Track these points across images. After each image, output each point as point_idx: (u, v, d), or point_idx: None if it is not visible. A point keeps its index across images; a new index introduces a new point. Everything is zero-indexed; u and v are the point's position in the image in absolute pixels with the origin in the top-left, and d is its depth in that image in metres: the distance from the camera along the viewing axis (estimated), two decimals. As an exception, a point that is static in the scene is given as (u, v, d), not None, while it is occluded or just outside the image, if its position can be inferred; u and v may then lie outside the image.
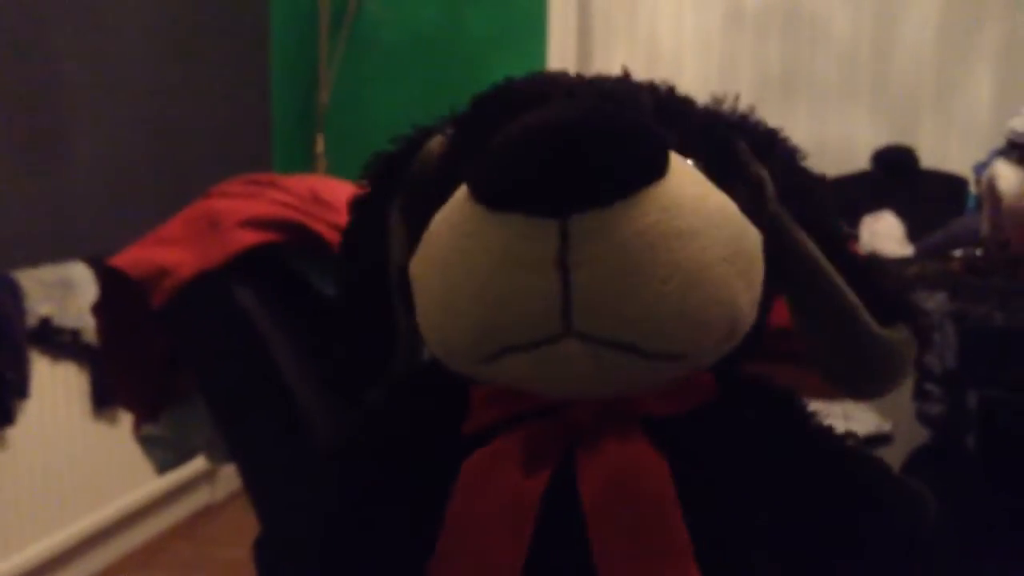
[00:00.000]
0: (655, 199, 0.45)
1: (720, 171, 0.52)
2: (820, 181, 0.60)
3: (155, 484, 2.26)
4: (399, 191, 0.59)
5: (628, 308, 0.45)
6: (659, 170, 0.46)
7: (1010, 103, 2.19)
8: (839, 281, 0.55)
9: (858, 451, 0.59)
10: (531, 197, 0.44)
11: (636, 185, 0.45)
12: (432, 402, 0.56)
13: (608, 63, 2.68)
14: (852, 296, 0.55)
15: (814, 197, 0.58)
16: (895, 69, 2.50)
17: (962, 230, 1.70)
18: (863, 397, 0.71)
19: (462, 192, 0.48)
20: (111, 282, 0.86)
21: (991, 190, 1.48)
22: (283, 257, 0.85)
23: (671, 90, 0.58)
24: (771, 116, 2.33)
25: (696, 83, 2.64)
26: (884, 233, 1.80)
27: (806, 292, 0.56)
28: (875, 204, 1.91)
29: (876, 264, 0.59)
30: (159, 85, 2.33)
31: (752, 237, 0.50)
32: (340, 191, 0.92)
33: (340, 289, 0.61)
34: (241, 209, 0.85)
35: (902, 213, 1.89)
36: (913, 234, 1.85)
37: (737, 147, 0.56)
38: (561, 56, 2.65)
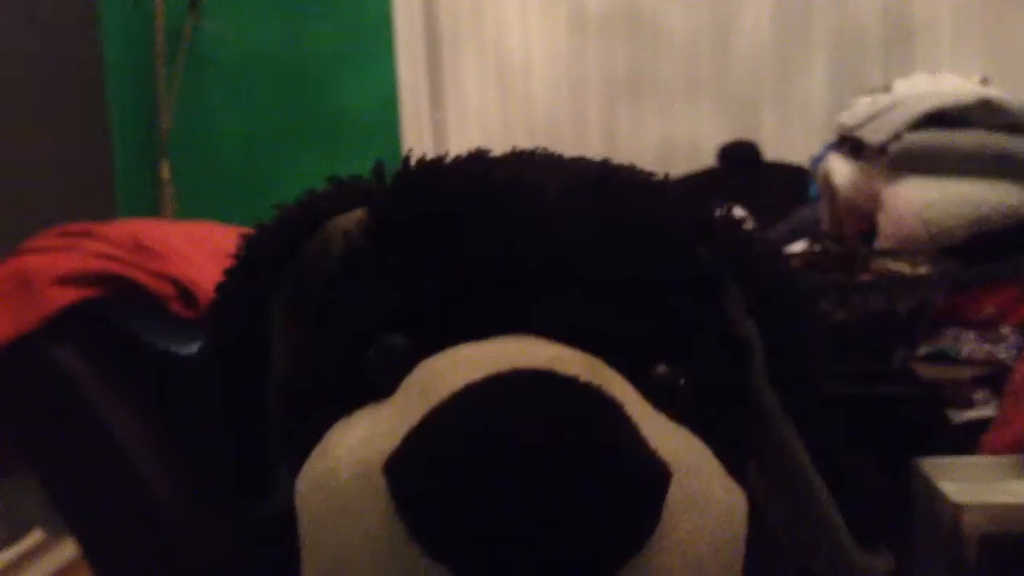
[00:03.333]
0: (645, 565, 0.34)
1: (691, 342, 0.42)
2: (819, 352, 0.47)
3: (7, 551, 2.12)
4: (287, 282, 0.46)
5: None
6: (650, 529, 0.34)
7: (844, 93, 2.30)
8: (823, 497, 0.46)
9: None
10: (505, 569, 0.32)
11: (632, 551, 0.34)
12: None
13: (457, 74, 2.67)
14: (835, 517, 0.46)
15: (810, 379, 0.46)
16: (735, 67, 2.59)
17: (804, 221, 1.77)
18: None
19: (384, 506, 0.34)
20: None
21: (827, 184, 1.54)
22: (106, 313, 0.80)
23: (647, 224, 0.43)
24: (622, 120, 2.39)
25: (546, 90, 2.66)
26: (733, 228, 1.86)
27: (783, 491, 0.46)
28: (722, 199, 1.97)
29: (869, 484, 0.49)
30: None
31: (742, 529, 0.40)
32: (165, 235, 0.88)
33: (198, 402, 0.48)
34: (55, 265, 0.79)
35: (749, 206, 1.95)
36: (761, 226, 1.91)
37: (726, 299, 0.45)
38: (410, 69, 2.63)
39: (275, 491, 0.45)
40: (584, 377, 0.35)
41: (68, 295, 0.77)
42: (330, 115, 2.71)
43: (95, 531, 0.80)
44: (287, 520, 0.40)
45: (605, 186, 0.45)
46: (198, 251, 0.86)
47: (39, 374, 0.77)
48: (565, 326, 0.39)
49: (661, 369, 0.41)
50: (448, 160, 0.47)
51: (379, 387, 0.39)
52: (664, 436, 0.37)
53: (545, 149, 0.52)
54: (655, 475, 0.34)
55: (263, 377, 0.45)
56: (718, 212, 0.49)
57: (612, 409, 0.35)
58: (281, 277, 0.46)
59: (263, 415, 0.45)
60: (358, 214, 0.46)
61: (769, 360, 0.45)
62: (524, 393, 0.34)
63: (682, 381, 0.41)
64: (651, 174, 0.49)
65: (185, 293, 0.81)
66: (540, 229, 0.41)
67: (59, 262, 0.79)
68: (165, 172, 2.70)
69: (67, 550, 2.36)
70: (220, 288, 0.48)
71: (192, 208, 2.66)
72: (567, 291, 0.40)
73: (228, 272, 0.47)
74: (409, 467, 0.34)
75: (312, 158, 2.73)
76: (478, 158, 0.47)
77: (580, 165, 0.47)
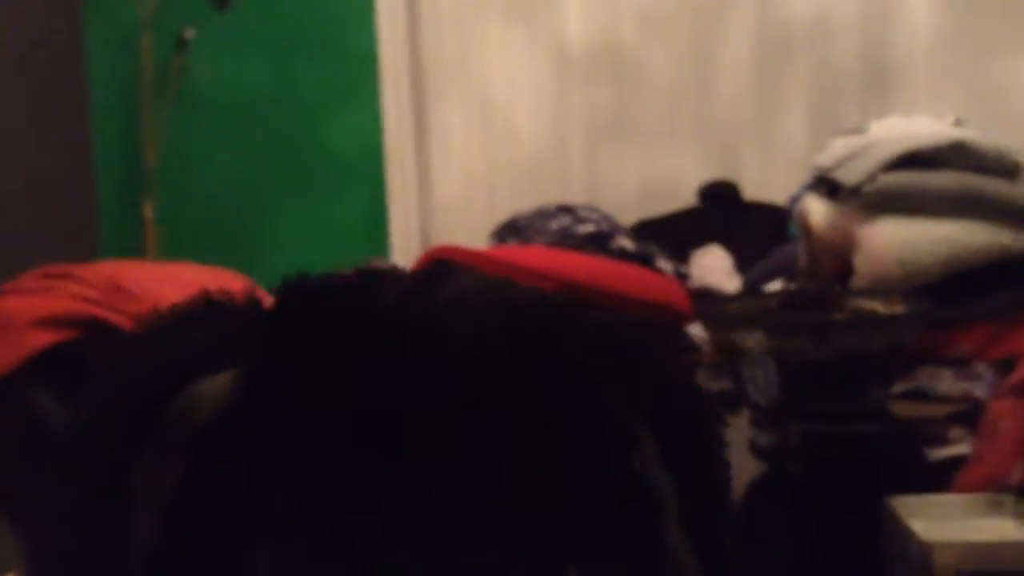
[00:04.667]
0: None
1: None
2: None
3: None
4: (152, 441, 0.41)
5: None
6: None
7: (823, 133, 2.32)
8: None
9: None
10: None
11: None
12: None
13: (442, 117, 2.70)
14: None
15: (725, 519, 0.47)
16: (715, 108, 2.62)
17: (783, 260, 1.79)
18: None
19: None
20: None
21: (804, 224, 1.56)
22: (84, 355, 0.80)
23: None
24: (604, 160, 2.41)
25: (529, 131, 2.69)
26: (712, 266, 1.87)
27: None
28: (702, 238, 1.99)
29: None
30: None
31: None
32: (144, 276, 0.88)
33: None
34: (34, 307, 0.79)
35: (729, 245, 1.96)
36: (740, 265, 1.93)
37: (638, 450, 0.42)
38: (395, 111, 2.66)
39: None
40: None
41: (46, 337, 0.77)
42: (315, 156, 2.72)
43: None
44: None
45: (511, 349, 0.40)
46: (177, 292, 0.86)
47: (14, 417, 0.77)
48: (467, 544, 0.36)
49: (575, 573, 0.39)
50: (319, 329, 0.41)
51: None
52: None
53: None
54: None
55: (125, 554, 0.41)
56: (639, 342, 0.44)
57: None
58: (143, 437, 0.41)
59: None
60: (225, 380, 0.41)
61: (681, 504, 0.43)
62: None
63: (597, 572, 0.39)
64: (563, 304, 0.44)
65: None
66: (428, 432, 0.37)
67: (38, 304, 0.79)
68: (149, 212, 2.70)
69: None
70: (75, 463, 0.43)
71: (177, 248, 2.66)
72: (471, 497, 0.37)
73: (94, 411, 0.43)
74: None
75: (297, 198, 2.74)
76: (364, 307, 0.42)
77: (483, 316, 0.41)
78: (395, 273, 0.46)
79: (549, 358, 0.40)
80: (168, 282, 0.87)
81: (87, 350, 0.80)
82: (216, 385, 0.41)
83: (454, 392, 0.38)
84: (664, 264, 1.79)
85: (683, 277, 1.82)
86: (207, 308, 0.45)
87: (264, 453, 0.38)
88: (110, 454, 0.41)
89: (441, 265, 0.45)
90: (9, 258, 0.91)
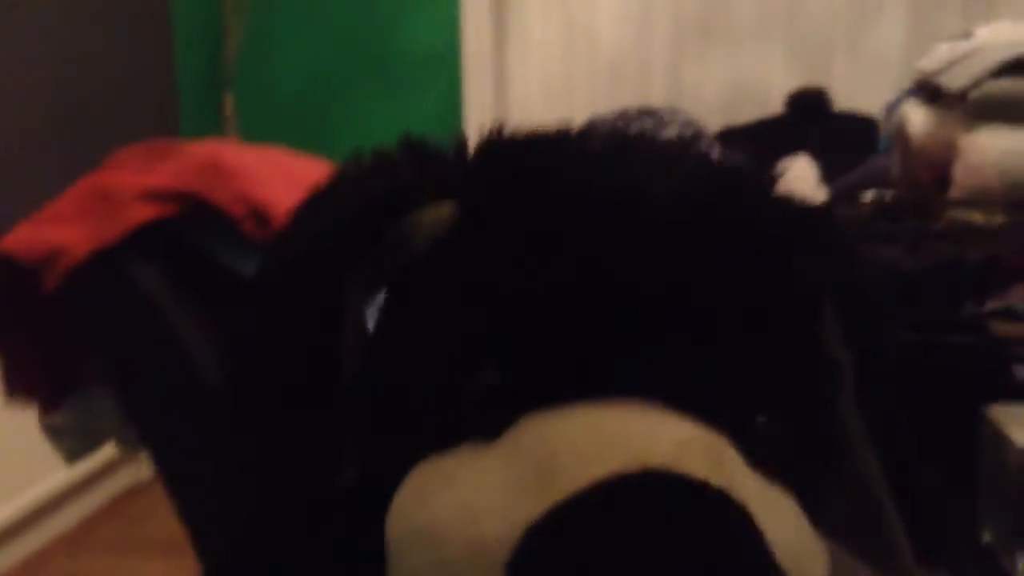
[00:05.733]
0: None
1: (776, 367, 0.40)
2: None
3: (79, 466, 2.20)
4: (364, 270, 0.42)
5: None
6: None
7: (920, 43, 2.22)
8: (892, 522, 0.46)
9: None
10: None
11: None
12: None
13: (522, 14, 2.64)
14: (902, 541, 0.46)
15: (895, 399, 0.47)
16: (809, 10, 2.51)
17: (873, 171, 1.73)
18: None
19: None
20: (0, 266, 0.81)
21: (901, 132, 1.50)
22: (184, 231, 0.81)
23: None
24: (688, 62, 2.34)
25: (611, 28, 2.62)
26: (798, 177, 1.82)
27: (851, 512, 0.46)
28: (789, 147, 1.93)
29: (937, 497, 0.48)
30: (53, 48, 2.21)
31: None
32: (242, 156, 0.89)
33: (261, 397, 0.44)
34: (136, 181, 0.80)
35: (816, 155, 1.91)
36: (827, 176, 1.87)
37: (822, 320, 0.42)
38: (474, 8, 2.60)
39: (335, 467, 0.42)
40: (713, 478, 0.34)
41: (147, 211, 0.78)
42: (393, 52, 2.70)
43: (168, 447, 0.83)
44: (354, 509, 0.40)
45: (719, 203, 0.41)
46: (273, 175, 0.87)
47: (117, 289, 0.79)
48: (672, 381, 0.37)
49: (762, 420, 0.40)
50: (541, 149, 0.42)
51: (473, 422, 0.38)
52: (772, 516, 0.36)
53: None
54: None
55: (331, 354, 0.42)
56: (822, 217, 0.45)
57: (744, 525, 0.34)
58: (357, 263, 0.42)
59: (327, 392, 0.42)
60: (446, 210, 0.41)
61: (857, 380, 0.44)
62: (656, 509, 0.33)
63: (780, 430, 0.40)
64: (761, 177, 0.45)
65: (258, 215, 0.82)
66: (649, 260, 0.38)
67: (139, 179, 0.80)
68: (228, 107, 2.72)
69: (142, 465, 2.45)
70: (282, 275, 0.43)
71: (254, 142, 2.69)
72: (674, 335, 0.38)
73: (298, 238, 0.43)
74: None
75: (374, 94, 2.73)
76: (579, 152, 0.42)
77: (689, 170, 0.43)
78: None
79: (754, 223, 0.41)
80: (265, 164, 0.88)
81: (188, 226, 0.82)
82: (435, 214, 0.41)
83: (664, 241, 0.39)
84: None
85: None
86: (413, 148, 0.46)
87: (482, 284, 0.39)
88: (321, 285, 0.42)
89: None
90: (89, 156, 0.92)
